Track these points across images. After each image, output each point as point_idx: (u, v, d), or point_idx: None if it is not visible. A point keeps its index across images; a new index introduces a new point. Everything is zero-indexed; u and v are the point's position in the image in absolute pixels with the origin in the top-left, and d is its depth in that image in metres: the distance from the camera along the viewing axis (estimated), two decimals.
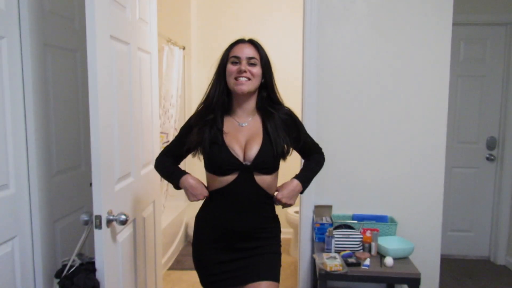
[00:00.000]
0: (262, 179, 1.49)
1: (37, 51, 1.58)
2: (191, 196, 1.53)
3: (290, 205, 1.57)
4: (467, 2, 3.26)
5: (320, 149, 1.73)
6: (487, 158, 3.47)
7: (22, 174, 1.55)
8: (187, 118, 1.61)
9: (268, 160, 1.48)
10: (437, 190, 2.34)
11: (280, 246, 1.61)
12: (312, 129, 2.29)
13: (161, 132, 3.38)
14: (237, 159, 1.46)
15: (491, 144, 3.46)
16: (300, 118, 2.22)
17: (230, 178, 1.47)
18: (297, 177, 1.60)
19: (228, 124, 1.53)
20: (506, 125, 3.38)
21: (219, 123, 1.50)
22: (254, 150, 1.47)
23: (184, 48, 3.79)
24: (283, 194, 1.53)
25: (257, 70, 1.49)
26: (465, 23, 3.31)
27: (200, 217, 1.61)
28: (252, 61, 1.48)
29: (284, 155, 1.53)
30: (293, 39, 3.89)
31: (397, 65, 2.29)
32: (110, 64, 1.50)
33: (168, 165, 1.62)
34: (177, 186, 1.56)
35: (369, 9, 2.28)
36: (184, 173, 1.57)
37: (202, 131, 1.49)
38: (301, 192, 1.60)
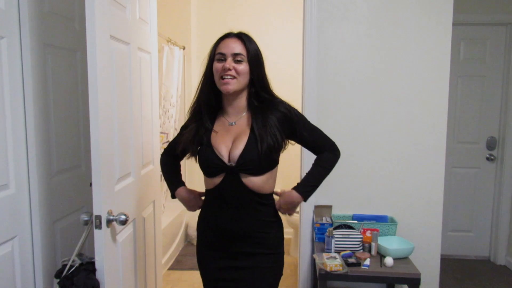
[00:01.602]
0: (250, 181, 1.40)
1: (37, 51, 1.58)
2: (187, 207, 1.63)
3: (291, 215, 1.54)
4: (467, 2, 3.26)
5: (331, 145, 1.55)
6: (487, 158, 3.47)
7: (22, 174, 1.55)
8: (187, 118, 1.62)
9: (253, 160, 1.37)
10: (437, 190, 2.34)
11: (282, 253, 1.53)
12: None
13: (161, 132, 3.38)
14: (221, 160, 1.40)
15: (491, 144, 3.46)
16: None
17: (218, 179, 1.42)
18: (297, 188, 1.51)
19: (219, 124, 1.48)
20: (506, 125, 3.38)
21: (208, 123, 1.46)
22: (238, 150, 1.39)
23: (184, 48, 3.79)
24: (281, 205, 1.50)
25: (243, 67, 1.39)
26: (465, 23, 3.31)
27: (200, 218, 1.58)
28: (239, 57, 1.39)
29: (270, 154, 1.39)
30: (293, 39, 3.89)
31: (397, 65, 2.30)
32: (110, 64, 1.50)
33: (170, 170, 1.64)
34: (173, 196, 1.62)
35: (369, 9, 2.28)
36: (179, 185, 1.59)
37: (190, 132, 1.47)
38: (305, 200, 1.52)
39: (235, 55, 1.39)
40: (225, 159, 1.40)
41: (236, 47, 1.40)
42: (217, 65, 1.41)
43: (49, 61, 1.66)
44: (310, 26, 2.29)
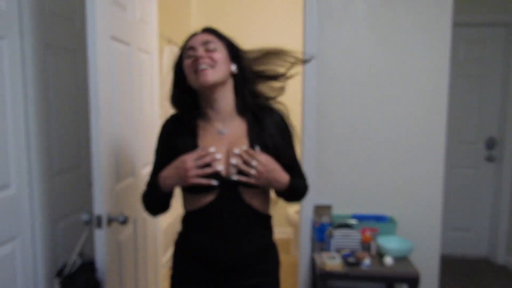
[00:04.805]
0: (251, 196, 1.21)
1: (38, 52, 1.58)
2: (178, 178, 1.19)
3: (255, 179, 1.18)
4: (467, 2, 3.27)
5: (305, 178, 1.37)
6: (487, 158, 3.48)
7: (23, 174, 1.55)
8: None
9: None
10: (437, 190, 2.34)
11: (278, 279, 1.33)
12: (311, 129, 2.30)
13: None
14: (217, 173, 1.18)
15: (491, 144, 3.46)
16: (299, 119, 2.20)
17: (210, 197, 1.19)
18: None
19: (204, 133, 1.25)
20: (505, 125, 3.39)
21: (191, 131, 1.25)
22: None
23: None
24: (263, 163, 1.17)
25: (219, 55, 1.19)
26: (465, 23, 3.31)
27: (178, 247, 1.30)
28: (210, 46, 1.19)
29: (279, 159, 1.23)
30: (293, 39, 3.89)
31: (397, 65, 2.30)
32: (110, 64, 1.51)
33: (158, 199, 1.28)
34: (166, 188, 1.23)
35: (369, 9, 2.29)
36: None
37: (175, 145, 1.25)
38: (287, 185, 1.24)
39: (204, 43, 1.20)
40: (223, 172, 1.19)
41: (204, 36, 1.23)
42: (187, 62, 1.21)
43: (50, 61, 1.66)
44: (310, 26, 2.30)
